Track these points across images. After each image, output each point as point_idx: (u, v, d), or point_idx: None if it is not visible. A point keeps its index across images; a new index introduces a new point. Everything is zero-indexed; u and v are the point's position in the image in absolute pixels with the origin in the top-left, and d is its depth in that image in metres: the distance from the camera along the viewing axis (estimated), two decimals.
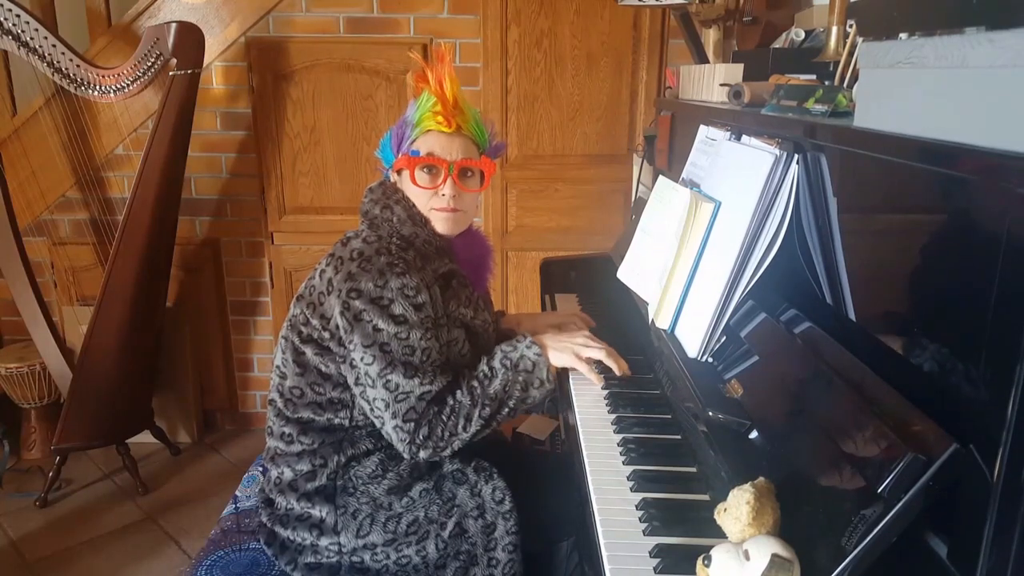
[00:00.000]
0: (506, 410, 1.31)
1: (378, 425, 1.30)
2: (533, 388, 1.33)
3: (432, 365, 1.27)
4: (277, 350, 1.39)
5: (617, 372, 1.42)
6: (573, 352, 1.38)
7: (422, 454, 1.27)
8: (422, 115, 1.35)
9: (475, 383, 1.30)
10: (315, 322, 1.31)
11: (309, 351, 1.33)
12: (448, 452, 1.29)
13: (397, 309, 1.25)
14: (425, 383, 1.25)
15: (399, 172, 1.40)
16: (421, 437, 1.25)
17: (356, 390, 1.30)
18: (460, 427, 1.27)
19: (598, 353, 1.40)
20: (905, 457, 0.70)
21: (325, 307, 1.29)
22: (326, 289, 1.29)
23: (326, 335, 1.30)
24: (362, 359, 1.26)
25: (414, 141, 1.36)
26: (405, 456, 1.29)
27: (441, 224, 1.37)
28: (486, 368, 1.33)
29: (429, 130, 1.35)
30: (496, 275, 2.93)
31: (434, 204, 1.36)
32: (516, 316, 1.72)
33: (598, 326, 1.77)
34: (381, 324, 1.24)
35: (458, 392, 1.29)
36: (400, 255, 1.28)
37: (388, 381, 1.24)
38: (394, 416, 1.25)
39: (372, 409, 1.29)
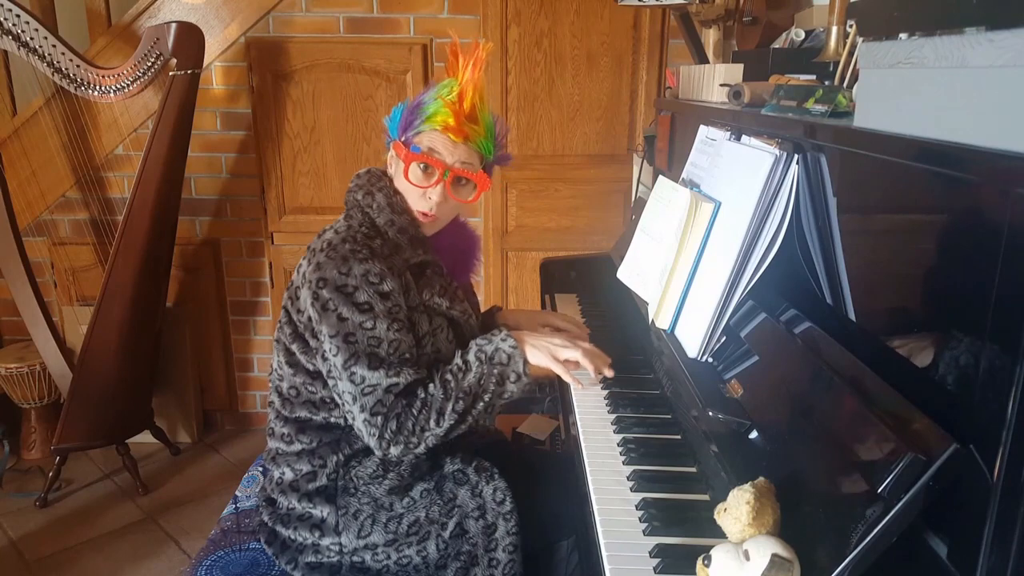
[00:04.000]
0: (481, 404, 1.27)
1: (350, 420, 1.27)
2: (509, 382, 1.29)
3: (400, 357, 1.24)
4: (273, 351, 1.40)
5: (595, 377, 1.40)
6: (550, 352, 1.34)
7: (393, 450, 1.24)
8: (435, 111, 1.30)
9: (449, 376, 1.27)
10: (295, 317, 1.31)
11: (297, 349, 1.32)
12: (422, 448, 1.26)
13: (361, 296, 1.23)
14: (391, 375, 1.22)
15: (396, 156, 1.37)
16: (390, 432, 1.22)
17: (330, 383, 1.29)
18: (432, 421, 1.23)
19: (575, 355, 1.36)
20: (905, 457, 0.70)
21: (300, 301, 1.29)
22: (301, 282, 1.29)
23: (302, 328, 1.30)
24: (329, 350, 1.24)
25: (419, 134, 1.32)
26: (377, 453, 1.26)
27: (422, 227, 1.36)
28: (460, 362, 1.30)
29: (436, 129, 1.31)
30: (496, 275, 2.93)
31: (421, 206, 1.33)
32: (513, 313, 1.71)
33: (598, 326, 1.78)
34: (346, 313, 1.22)
35: (430, 386, 1.26)
36: (365, 243, 1.27)
37: (353, 373, 1.22)
38: (362, 409, 1.22)
39: (343, 404, 1.27)
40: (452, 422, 1.24)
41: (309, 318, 1.27)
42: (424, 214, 1.34)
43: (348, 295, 1.23)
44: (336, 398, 1.29)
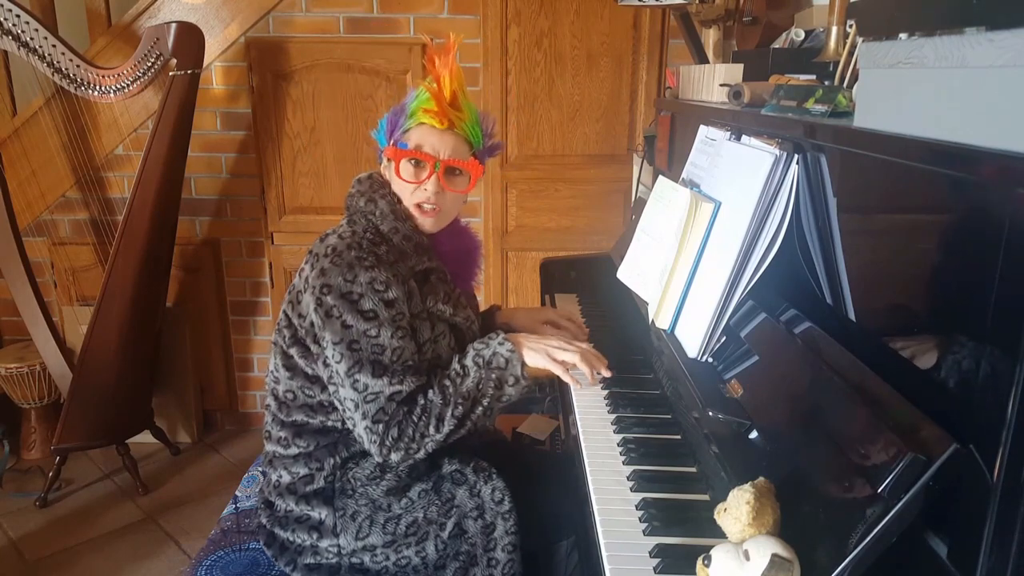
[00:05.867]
0: (480, 408, 1.27)
1: (351, 427, 1.28)
2: (508, 385, 1.29)
3: (403, 365, 1.24)
4: (270, 355, 1.39)
5: (592, 379, 1.40)
6: (547, 354, 1.33)
7: (393, 456, 1.24)
8: (417, 106, 1.33)
9: (447, 382, 1.27)
10: (296, 322, 1.30)
11: (295, 354, 1.32)
12: (422, 454, 1.26)
13: (367, 304, 1.22)
14: (394, 383, 1.22)
15: (388, 160, 1.38)
16: (391, 439, 1.22)
17: (331, 389, 1.28)
18: (432, 427, 1.24)
19: (572, 356, 1.35)
20: (905, 457, 0.70)
21: (302, 305, 1.28)
22: (303, 287, 1.28)
23: (302, 333, 1.29)
24: (332, 356, 1.24)
25: (406, 132, 1.34)
26: (377, 459, 1.26)
27: (421, 223, 1.36)
28: (458, 366, 1.29)
29: (422, 123, 1.33)
30: (496, 275, 2.93)
31: (417, 198, 1.34)
32: (514, 312, 1.71)
33: (598, 326, 1.78)
34: (350, 320, 1.22)
35: (430, 392, 1.25)
36: (371, 250, 1.26)
37: (356, 381, 1.22)
38: (364, 417, 1.22)
39: (344, 410, 1.27)
40: (451, 427, 1.24)
41: (311, 323, 1.26)
42: (420, 207, 1.34)
43: (353, 302, 1.22)
44: (337, 404, 1.29)
